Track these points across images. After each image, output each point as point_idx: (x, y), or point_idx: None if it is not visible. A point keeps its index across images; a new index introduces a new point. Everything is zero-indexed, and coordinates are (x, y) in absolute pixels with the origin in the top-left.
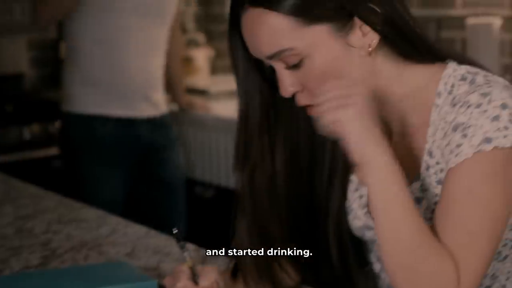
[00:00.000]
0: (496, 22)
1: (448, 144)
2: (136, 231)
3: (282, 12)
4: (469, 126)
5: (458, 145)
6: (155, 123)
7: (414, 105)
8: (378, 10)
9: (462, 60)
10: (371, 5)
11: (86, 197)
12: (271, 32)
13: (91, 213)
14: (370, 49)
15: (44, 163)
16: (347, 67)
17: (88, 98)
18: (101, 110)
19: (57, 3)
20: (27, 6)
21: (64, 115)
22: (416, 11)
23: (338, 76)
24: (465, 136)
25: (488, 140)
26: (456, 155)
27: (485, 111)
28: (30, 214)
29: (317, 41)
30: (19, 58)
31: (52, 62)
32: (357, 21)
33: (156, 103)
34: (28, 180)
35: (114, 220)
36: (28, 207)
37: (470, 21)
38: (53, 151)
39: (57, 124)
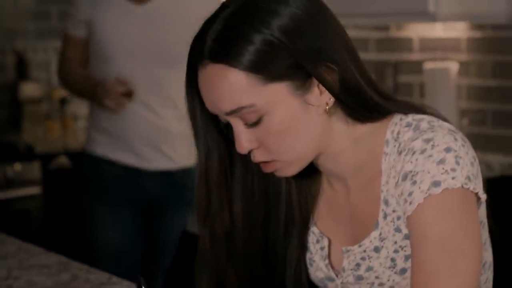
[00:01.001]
0: (453, 66)
1: (401, 194)
2: (98, 277)
3: (241, 68)
4: (416, 173)
5: (410, 193)
6: (165, 178)
7: (364, 156)
8: (335, 69)
9: (412, 111)
10: (328, 64)
11: (93, 237)
12: (231, 88)
13: (52, 259)
14: (327, 107)
15: (3, 206)
16: (304, 125)
17: (98, 142)
18: (109, 154)
19: (69, 86)
20: None
21: (82, 154)
22: (374, 55)
23: (295, 133)
24: (414, 183)
25: (436, 183)
26: (410, 203)
27: (430, 156)
28: None
29: (276, 99)
30: None
31: (11, 105)
32: (314, 80)
33: (169, 156)
34: None
35: (76, 266)
36: None
37: (428, 65)
38: (12, 193)
39: (16, 167)
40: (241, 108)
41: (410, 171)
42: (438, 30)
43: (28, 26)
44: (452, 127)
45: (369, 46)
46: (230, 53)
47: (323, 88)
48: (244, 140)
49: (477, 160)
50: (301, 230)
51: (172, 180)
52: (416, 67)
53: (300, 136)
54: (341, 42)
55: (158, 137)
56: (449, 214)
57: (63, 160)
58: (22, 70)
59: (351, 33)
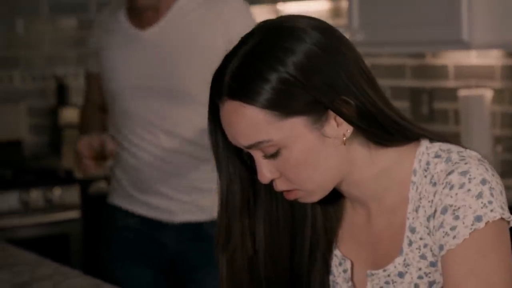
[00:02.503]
0: (488, 94)
1: (441, 226)
2: None
3: (259, 106)
4: (458, 208)
5: (453, 228)
6: (189, 233)
7: (389, 184)
8: (351, 102)
9: (434, 137)
10: (344, 98)
11: None
12: (249, 124)
13: (86, 281)
14: (344, 138)
15: (42, 230)
16: (323, 157)
17: (116, 189)
18: (124, 204)
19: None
20: (27, 73)
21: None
22: (410, 82)
23: (314, 165)
24: (457, 218)
25: (478, 218)
26: (454, 237)
27: (469, 190)
28: (26, 281)
29: (293, 133)
30: (18, 125)
31: (52, 130)
32: (331, 113)
33: (192, 207)
34: (25, 247)
35: None
36: (24, 274)
37: (462, 92)
38: (52, 217)
39: (56, 191)
40: (259, 142)
41: (451, 205)
42: (472, 58)
43: (68, 53)
44: (478, 155)
45: (405, 73)
46: (247, 91)
47: (340, 120)
48: (265, 170)
49: (503, 186)
50: (325, 253)
51: (193, 234)
52: (451, 94)
53: (319, 167)
54: (358, 71)
55: (178, 186)
56: (493, 247)
57: (102, 185)
58: (62, 96)
59: (388, 60)
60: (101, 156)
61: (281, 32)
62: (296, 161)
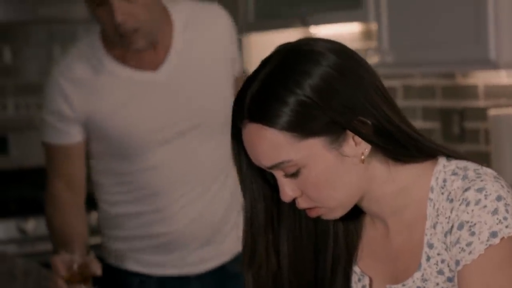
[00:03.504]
0: None
1: (457, 242)
2: None
3: (278, 128)
4: (474, 224)
5: (469, 244)
6: (213, 277)
7: (407, 200)
8: (369, 122)
9: (451, 154)
10: (361, 118)
11: None
12: (269, 146)
13: None
14: (363, 157)
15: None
16: (342, 176)
17: (121, 255)
18: (138, 268)
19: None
20: None
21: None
22: (440, 103)
23: (334, 183)
24: (473, 234)
25: (494, 234)
26: (470, 253)
27: (485, 206)
28: None
29: (312, 153)
30: None
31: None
32: (349, 132)
33: (220, 251)
34: None
35: None
36: None
37: (492, 112)
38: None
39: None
40: (280, 163)
41: (467, 222)
42: (502, 77)
43: None
44: (494, 173)
45: (436, 94)
46: (266, 114)
47: (359, 139)
48: (287, 189)
49: None
50: (346, 268)
51: (224, 276)
52: (482, 114)
53: (338, 186)
54: (374, 91)
55: (204, 232)
56: (508, 263)
57: None
58: None
59: (418, 81)
60: (79, 279)
61: (299, 56)
62: (316, 179)
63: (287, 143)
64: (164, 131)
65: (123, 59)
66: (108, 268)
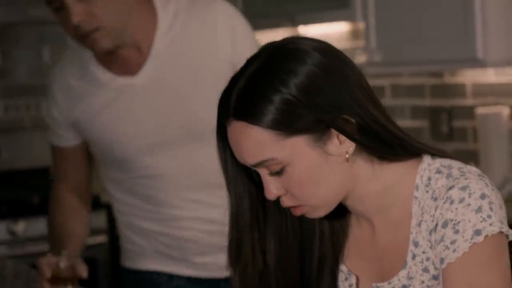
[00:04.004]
0: (505, 111)
1: (441, 240)
2: None
3: (263, 126)
4: (458, 222)
5: (453, 241)
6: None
7: (392, 199)
8: (353, 121)
9: (436, 152)
10: (346, 116)
11: None
12: (254, 144)
13: None
14: (347, 156)
15: None
16: (326, 174)
17: (142, 253)
18: (163, 266)
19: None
20: None
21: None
22: (429, 101)
23: (318, 181)
24: (457, 232)
25: (478, 232)
26: (454, 251)
27: (469, 204)
28: None
29: (296, 151)
30: (47, 151)
31: None
32: (333, 131)
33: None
34: None
35: None
36: None
37: (480, 110)
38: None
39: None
40: (264, 161)
41: (451, 220)
42: (490, 76)
43: None
44: (479, 171)
45: (424, 93)
46: (252, 112)
47: (343, 138)
48: (272, 187)
49: (503, 201)
50: (333, 267)
51: None
52: (469, 112)
53: (322, 184)
54: (359, 89)
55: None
56: (492, 261)
57: None
58: None
59: (407, 80)
60: (64, 281)
61: (285, 54)
62: (299, 178)
63: (272, 141)
64: (148, 138)
65: (107, 64)
66: (127, 273)
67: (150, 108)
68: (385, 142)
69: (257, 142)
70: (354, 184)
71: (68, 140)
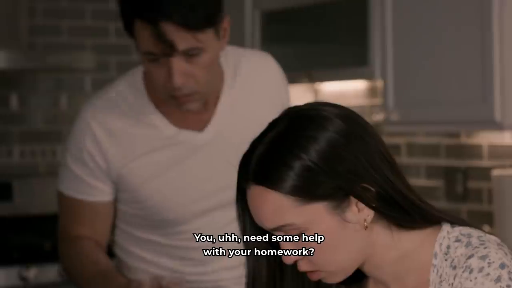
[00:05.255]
0: None
1: None
2: None
3: (282, 192)
4: None
5: None
6: None
7: (410, 266)
8: (372, 189)
9: (455, 221)
10: (365, 185)
11: None
12: (272, 209)
13: None
14: (365, 223)
15: None
16: (343, 240)
17: None
18: None
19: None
20: None
21: None
22: (444, 162)
23: (335, 248)
24: None
25: None
26: None
27: (488, 274)
28: None
29: (314, 218)
30: None
31: None
32: (352, 199)
33: None
34: None
35: None
36: None
37: (496, 172)
38: None
39: None
40: (282, 226)
41: None
42: (506, 138)
43: None
44: (498, 240)
45: (440, 153)
46: (271, 178)
47: (362, 206)
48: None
49: None
50: None
51: None
52: (485, 173)
53: (340, 250)
54: (379, 156)
55: None
56: None
57: None
58: None
59: (423, 139)
60: None
61: (305, 120)
62: (317, 244)
63: (291, 207)
64: (207, 201)
65: (168, 114)
66: None
67: (214, 168)
68: (404, 211)
69: (275, 207)
70: (372, 251)
71: (105, 194)
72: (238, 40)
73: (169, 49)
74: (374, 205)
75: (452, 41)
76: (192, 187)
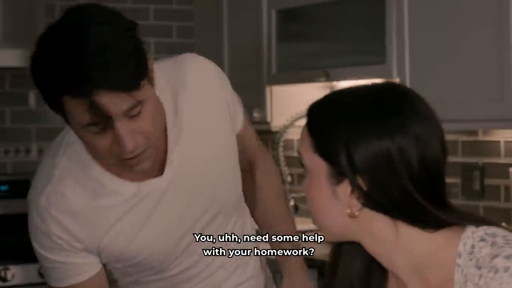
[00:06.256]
0: None
1: None
2: None
3: (312, 136)
4: None
5: None
6: None
7: (432, 264)
8: (364, 188)
9: (480, 223)
10: (360, 180)
11: None
12: (305, 144)
13: None
14: (348, 211)
15: None
16: (328, 209)
17: None
18: None
19: None
20: None
21: None
22: (461, 158)
23: (320, 211)
24: None
25: None
26: None
27: None
28: None
29: (315, 169)
30: None
31: None
32: (347, 182)
33: None
34: None
35: None
36: None
37: None
38: None
39: None
40: (303, 158)
41: None
42: None
43: None
44: None
45: (457, 149)
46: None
47: (353, 193)
48: (304, 181)
49: None
50: None
51: None
52: (502, 170)
53: (324, 215)
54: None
55: None
56: None
57: None
58: None
59: None
60: None
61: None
62: (309, 195)
63: (309, 145)
64: (187, 235)
65: (123, 174)
66: None
67: (184, 203)
68: (411, 215)
69: (306, 143)
70: (371, 240)
71: (93, 266)
72: (255, 39)
73: (105, 117)
74: (362, 202)
75: (470, 39)
76: (172, 230)
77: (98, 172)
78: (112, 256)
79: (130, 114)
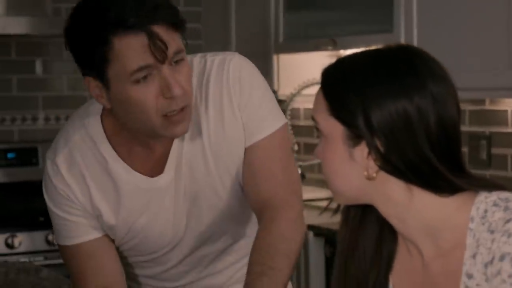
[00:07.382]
0: None
1: (498, 274)
2: None
3: (327, 98)
4: None
5: (510, 275)
6: None
7: (444, 228)
8: (381, 150)
9: (493, 188)
10: (376, 141)
11: None
12: (320, 105)
13: None
14: (365, 173)
15: None
16: (343, 171)
17: None
18: None
19: None
20: None
21: None
22: (468, 127)
23: (335, 173)
24: None
25: None
26: (511, 284)
27: None
28: None
29: (331, 132)
30: None
31: None
32: (364, 144)
33: None
34: None
35: None
36: None
37: None
38: None
39: None
40: (317, 122)
41: (509, 253)
42: None
43: None
44: None
45: (464, 118)
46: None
47: (373, 156)
48: (318, 147)
49: None
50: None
51: None
52: (509, 140)
53: (339, 178)
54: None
55: None
56: None
57: None
58: None
59: None
60: None
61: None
62: (325, 159)
63: (324, 109)
64: (192, 230)
65: (130, 160)
66: None
67: (178, 202)
68: (427, 180)
69: (322, 105)
70: (385, 202)
71: (97, 229)
72: (262, 8)
73: (163, 54)
74: (378, 164)
75: (478, 7)
76: (171, 219)
77: (106, 149)
78: (106, 227)
79: (176, 59)
